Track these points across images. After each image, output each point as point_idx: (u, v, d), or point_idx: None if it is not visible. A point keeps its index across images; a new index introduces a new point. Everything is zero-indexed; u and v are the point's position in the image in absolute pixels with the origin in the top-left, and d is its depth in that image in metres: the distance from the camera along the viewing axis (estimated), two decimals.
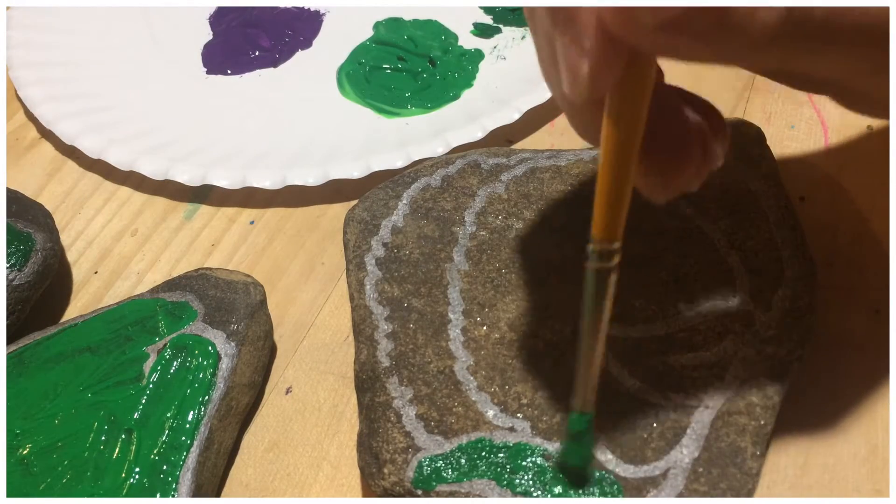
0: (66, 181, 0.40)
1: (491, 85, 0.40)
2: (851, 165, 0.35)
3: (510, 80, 0.40)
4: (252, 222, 0.37)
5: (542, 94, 0.38)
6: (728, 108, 0.39)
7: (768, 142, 0.33)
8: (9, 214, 0.33)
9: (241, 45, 0.44)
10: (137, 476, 0.27)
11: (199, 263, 0.36)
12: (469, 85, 0.41)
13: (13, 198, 0.34)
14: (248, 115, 0.41)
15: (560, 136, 0.39)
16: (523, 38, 0.43)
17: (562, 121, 0.39)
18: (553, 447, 0.26)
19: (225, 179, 0.37)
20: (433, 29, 0.43)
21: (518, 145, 0.39)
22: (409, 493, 0.26)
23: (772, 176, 0.32)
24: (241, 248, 0.36)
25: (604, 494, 0.25)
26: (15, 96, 0.44)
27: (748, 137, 0.33)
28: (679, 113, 0.21)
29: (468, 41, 0.43)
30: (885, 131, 0.37)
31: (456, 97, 0.40)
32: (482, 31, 0.43)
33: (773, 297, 0.28)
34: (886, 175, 0.35)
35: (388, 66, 0.42)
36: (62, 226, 0.38)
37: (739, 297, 0.29)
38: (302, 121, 0.40)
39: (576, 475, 0.25)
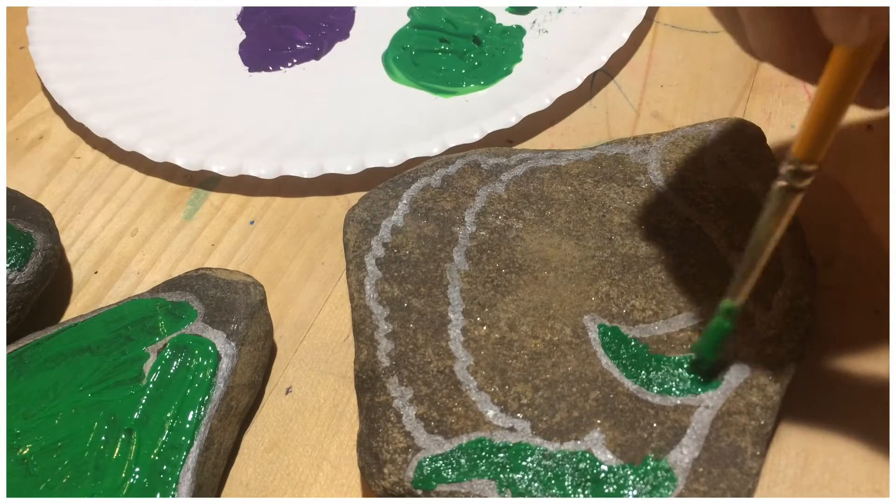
0: (66, 181, 0.40)
1: (540, 57, 0.41)
2: (851, 165, 0.35)
3: (557, 50, 0.41)
4: (252, 222, 0.37)
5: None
6: (728, 108, 0.39)
7: (768, 142, 0.33)
8: (9, 214, 0.33)
9: (277, 41, 0.45)
10: (137, 476, 0.27)
11: (199, 263, 0.36)
12: (518, 59, 0.41)
13: (13, 198, 0.35)
14: (294, 108, 0.41)
15: (560, 136, 0.39)
16: (560, 11, 0.43)
17: (562, 121, 0.39)
18: (553, 447, 0.26)
19: (263, 168, 0.37)
20: (469, 10, 0.44)
21: (518, 145, 0.39)
22: (409, 493, 0.26)
23: (772, 176, 0.32)
24: (241, 248, 0.36)
25: (605, 494, 0.25)
26: (15, 96, 0.44)
27: (748, 137, 0.33)
28: None
29: (505, 19, 0.43)
30: (885, 131, 0.37)
31: (508, 72, 0.40)
32: (517, 9, 0.44)
33: (773, 297, 0.28)
34: (886, 175, 0.35)
35: (433, 49, 0.42)
36: (62, 226, 0.38)
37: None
38: (350, 108, 0.40)
39: (706, 370, 0.26)
